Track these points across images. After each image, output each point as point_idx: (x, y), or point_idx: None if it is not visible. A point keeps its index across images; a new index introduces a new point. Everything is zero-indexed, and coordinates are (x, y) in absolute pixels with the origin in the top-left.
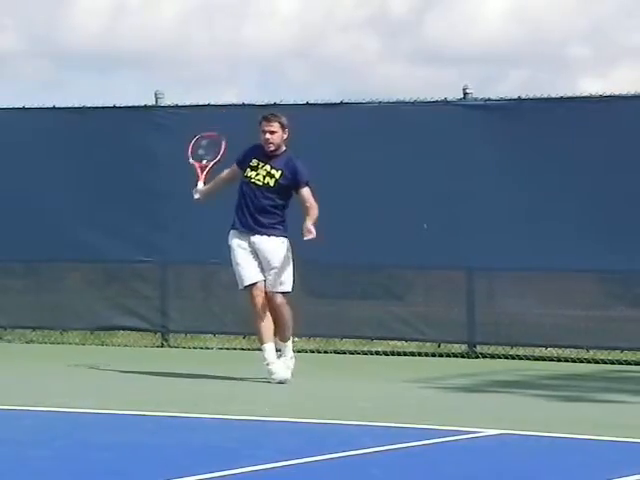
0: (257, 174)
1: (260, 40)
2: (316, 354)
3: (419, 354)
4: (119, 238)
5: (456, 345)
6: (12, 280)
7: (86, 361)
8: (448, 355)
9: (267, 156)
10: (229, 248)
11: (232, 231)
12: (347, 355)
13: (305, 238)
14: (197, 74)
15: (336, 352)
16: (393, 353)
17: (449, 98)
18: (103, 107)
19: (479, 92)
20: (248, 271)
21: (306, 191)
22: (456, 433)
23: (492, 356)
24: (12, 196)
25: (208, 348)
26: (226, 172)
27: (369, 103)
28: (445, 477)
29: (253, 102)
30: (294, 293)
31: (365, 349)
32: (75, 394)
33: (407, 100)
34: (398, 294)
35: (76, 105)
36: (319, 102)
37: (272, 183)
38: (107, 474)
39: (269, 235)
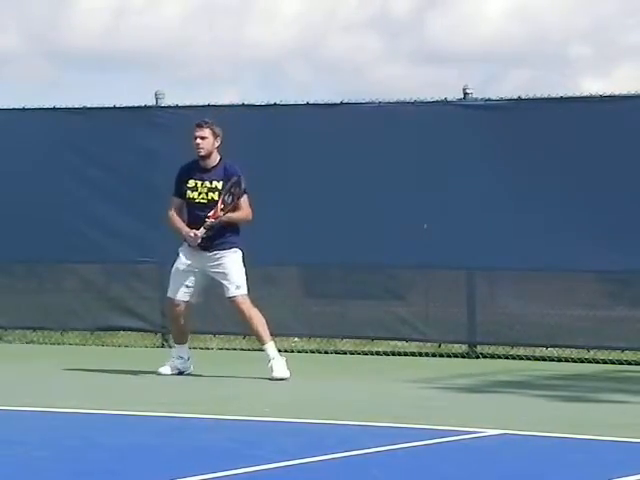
0: (199, 194)
1: (261, 40)
2: (316, 354)
3: (419, 354)
4: (119, 238)
5: (456, 345)
6: (12, 280)
7: (86, 361)
8: (449, 355)
9: (203, 171)
10: (177, 257)
11: (182, 247)
12: (347, 355)
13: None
14: (198, 74)
15: (336, 352)
16: (393, 353)
17: (449, 98)
18: (103, 107)
19: (480, 92)
20: (176, 286)
21: (243, 201)
22: (456, 433)
23: (492, 356)
24: (12, 196)
25: (208, 348)
26: (173, 209)
27: (369, 103)
28: (445, 477)
29: (253, 102)
30: (294, 293)
31: (365, 349)
32: (76, 395)
33: (407, 100)
34: (399, 294)
35: (76, 105)
36: (320, 102)
37: (217, 197)
38: (107, 474)
39: (221, 249)
